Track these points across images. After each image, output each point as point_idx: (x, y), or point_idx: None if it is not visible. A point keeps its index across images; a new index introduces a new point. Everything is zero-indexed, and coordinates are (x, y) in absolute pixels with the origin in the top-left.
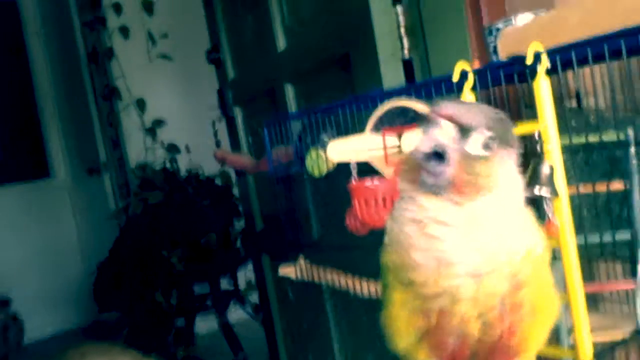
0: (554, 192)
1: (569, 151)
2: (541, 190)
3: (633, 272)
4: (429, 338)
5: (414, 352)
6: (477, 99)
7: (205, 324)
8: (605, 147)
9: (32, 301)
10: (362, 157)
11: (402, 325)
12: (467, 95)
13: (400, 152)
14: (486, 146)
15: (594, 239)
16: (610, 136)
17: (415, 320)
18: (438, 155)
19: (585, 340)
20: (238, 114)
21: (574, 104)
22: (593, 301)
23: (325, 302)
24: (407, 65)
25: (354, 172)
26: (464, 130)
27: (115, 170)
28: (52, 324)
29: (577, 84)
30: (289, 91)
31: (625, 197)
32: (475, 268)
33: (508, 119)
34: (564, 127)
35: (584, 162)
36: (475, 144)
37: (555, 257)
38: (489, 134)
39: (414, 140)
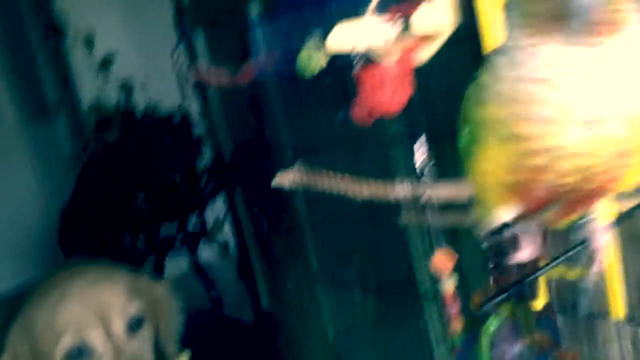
0: None
1: None
2: None
3: None
4: (516, 192)
5: (496, 202)
6: None
7: (175, 266)
8: None
9: None
10: (366, 44)
11: (489, 179)
12: None
13: (410, 34)
14: None
15: None
16: None
17: (504, 176)
18: None
19: None
20: (199, 40)
21: None
22: None
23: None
24: None
25: (359, 59)
26: None
27: (68, 112)
28: (18, 274)
29: None
30: (253, 7)
31: None
32: (593, 116)
33: None
34: None
35: None
36: None
37: None
38: None
39: (428, 17)
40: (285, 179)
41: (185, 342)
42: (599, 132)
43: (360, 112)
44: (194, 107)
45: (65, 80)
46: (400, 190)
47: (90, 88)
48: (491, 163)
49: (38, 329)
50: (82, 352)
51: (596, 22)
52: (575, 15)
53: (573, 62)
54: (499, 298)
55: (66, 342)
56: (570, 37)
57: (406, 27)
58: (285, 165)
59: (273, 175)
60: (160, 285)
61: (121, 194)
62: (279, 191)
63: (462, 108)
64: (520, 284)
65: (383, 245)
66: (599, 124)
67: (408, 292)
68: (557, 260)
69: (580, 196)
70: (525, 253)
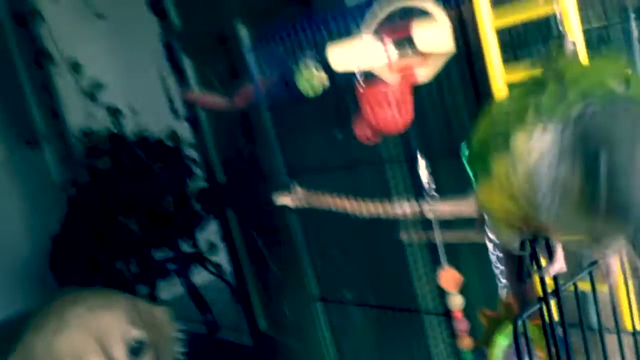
0: None
1: None
2: None
3: None
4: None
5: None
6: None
7: (169, 290)
8: None
9: None
10: (367, 64)
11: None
12: None
13: (411, 51)
14: None
15: None
16: None
17: (508, 214)
18: None
19: None
20: (188, 66)
21: None
22: None
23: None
24: None
25: (360, 78)
26: None
27: (56, 140)
28: (8, 303)
29: None
30: (243, 34)
31: None
32: None
33: None
34: None
35: None
36: None
37: None
38: None
39: (427, 38)
40: (285, 199)
41: None
42: None
43: (363, 130)
44: (184, 132)
45: (53, 109)
46: (400, 208)
47: (78, 116)
48: (497, 199)
49: (37, 356)
50: None
51: None
52: None
53: None
54: (533, 309)
55: None
56: None
57: (404, 46)
58: (281, 186)
59: (268, 197)
60: (159, 310)
61: (112, 220)
62: (273, 212)
63: (477, 146)
64: (555, 293)
65: (383, 263)
66: None
67: (409, 310)
68: (580, 274)
69: None
70: (559, 264)
